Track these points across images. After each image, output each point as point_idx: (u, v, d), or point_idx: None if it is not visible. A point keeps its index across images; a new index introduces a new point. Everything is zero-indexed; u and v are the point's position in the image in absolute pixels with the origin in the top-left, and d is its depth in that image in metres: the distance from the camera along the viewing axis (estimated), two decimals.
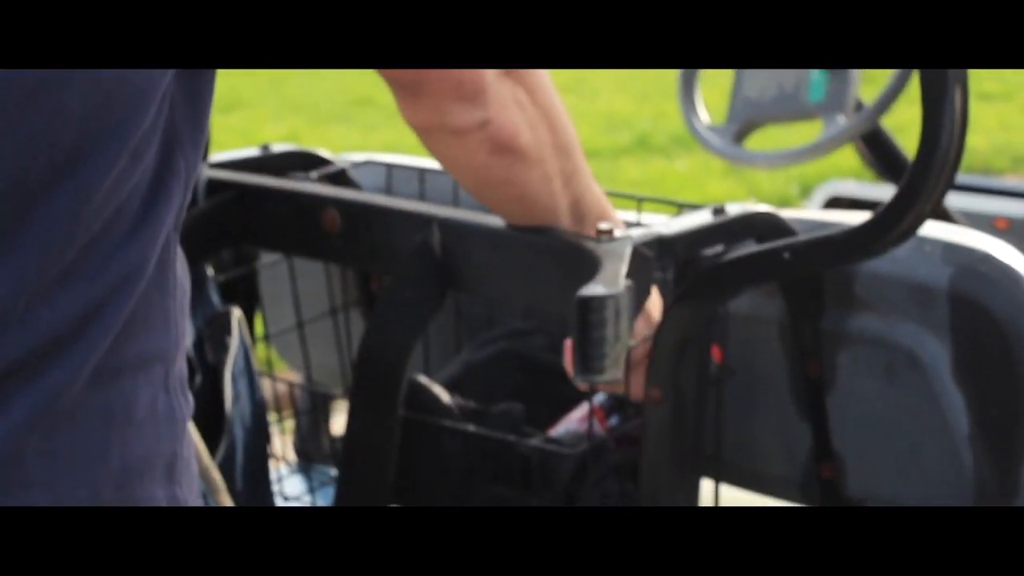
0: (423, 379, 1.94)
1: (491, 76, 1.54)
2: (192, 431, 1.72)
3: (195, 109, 1.16)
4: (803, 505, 1.99)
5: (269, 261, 2.22)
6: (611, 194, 1.89)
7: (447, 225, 1.81)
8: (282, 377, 2.39)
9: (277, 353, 2.46)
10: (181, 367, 1.21)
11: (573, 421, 1.93)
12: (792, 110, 2.57)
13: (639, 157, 6.60)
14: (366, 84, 7.91)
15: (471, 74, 1.52)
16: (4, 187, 1.05)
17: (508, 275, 1.80)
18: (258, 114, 7.24)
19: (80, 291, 1.09)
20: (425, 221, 1.82)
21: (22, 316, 1.07)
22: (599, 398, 1.92)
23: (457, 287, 1.84)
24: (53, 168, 1.06)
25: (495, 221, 1.80)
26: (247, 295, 2.19)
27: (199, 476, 1.68)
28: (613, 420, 1.90)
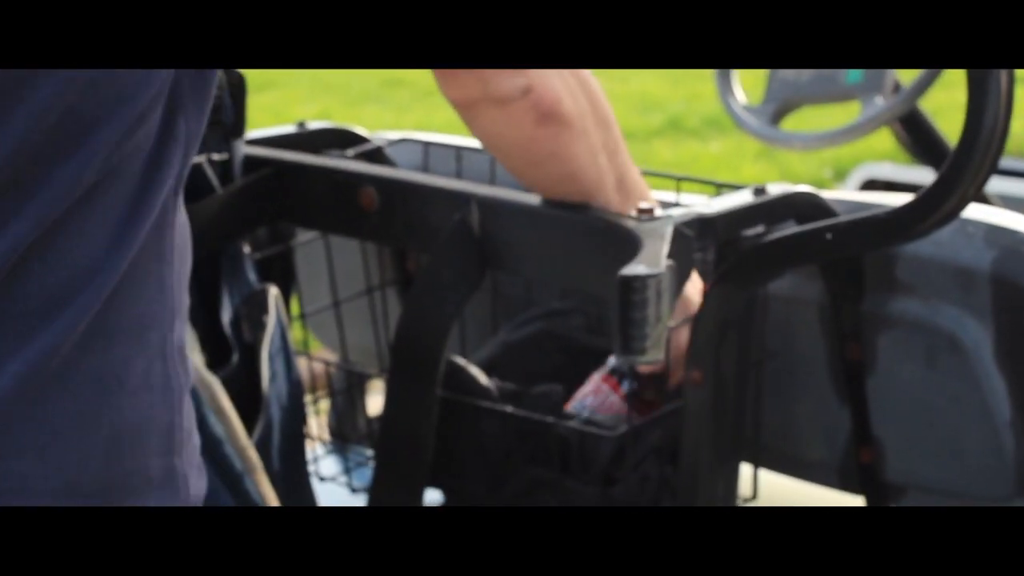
0: (460, 360, 1.93)
1: None
2: (229, 409, 1.72)
3: (201, 74, 1.16)
4: (839, 491, 1.98)
5: (305, 239, 2.21)
6: (649, 174, 1.87)
7: (486, 203, 1.79)
8: (318, 356, 2.38)
9: (312, 332, 2.45)
10: (180, 335, 1.20)
11: (589, 394, 1.91)
12: (829, 91, 2.55)
13: (672, 139, 6.58)
14: None
15: None
16: (16, 149, 1.05)
17: (547, 254, 1.78)
18: (290, 94, 7.24)
19: (74, 249, 1.09)
20: (463, 199, 1.81)
21: (16, 271, 1.06)
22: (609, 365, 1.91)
23: (495, 266, 1.82)
24: (66, 133, 1.06)
25: (534, 199, 1.78)
26: (283, 273, 2.17)
27: (237, 455, 1.68)
28: (625, 386, 1.88)
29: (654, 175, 1.93)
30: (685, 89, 7.33)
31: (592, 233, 1.71)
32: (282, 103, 6.83)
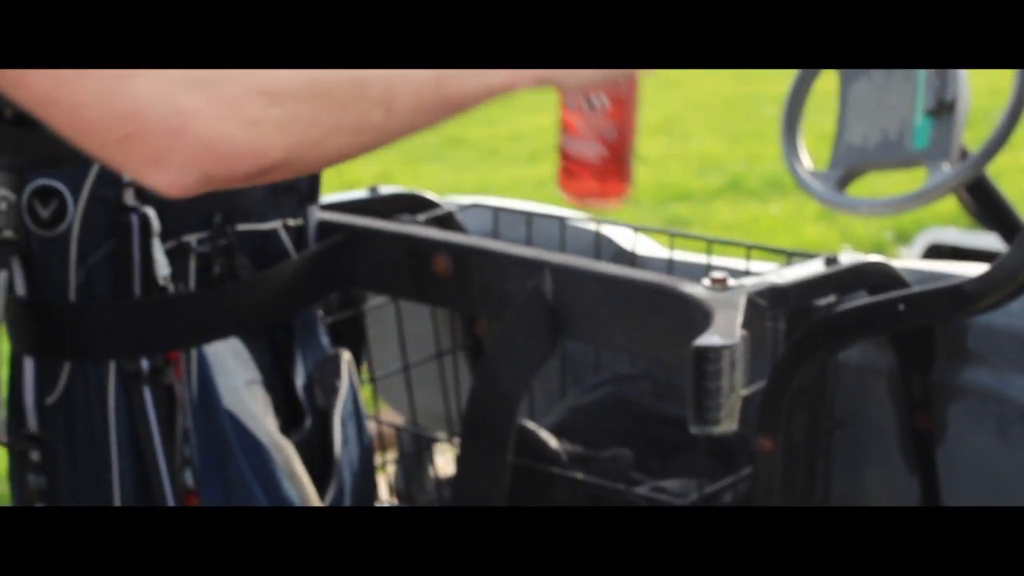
0: (531, 424, 1.94)
1: None
2: (302, 473, 1.74)
3: None
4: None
5: (376, 304, 2.23)
6: (721, 242, 1.88)
7: (559, 271, 1.81)
8: (387, 420, 2.39)
9: (381, 396, 2.47)
10: None
11: None
12: (896, 157, 2.55)
13: (732, 200, 6.58)
14: (457, 123, 7.95)
15: None
16: None
17: (620, 322, 1.79)
18: None
19: None
20: (537, 266, 1.82)
21: None
22: None
23: (568, 333, 1.83)
24: None
25: (608, 268, 1.80)
26: (353, 337, 2.19)
27: None
28: None
29: (726, 243, 1.94)
30: (745, 149, 7.34)
31: (666, 301, 1.72)
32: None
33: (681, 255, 2.20)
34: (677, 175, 6.74)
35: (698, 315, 1.62)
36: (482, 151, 7.30)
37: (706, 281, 1.69)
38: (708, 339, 1.51)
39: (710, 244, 2.14)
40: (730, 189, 6.77)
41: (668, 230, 2.27)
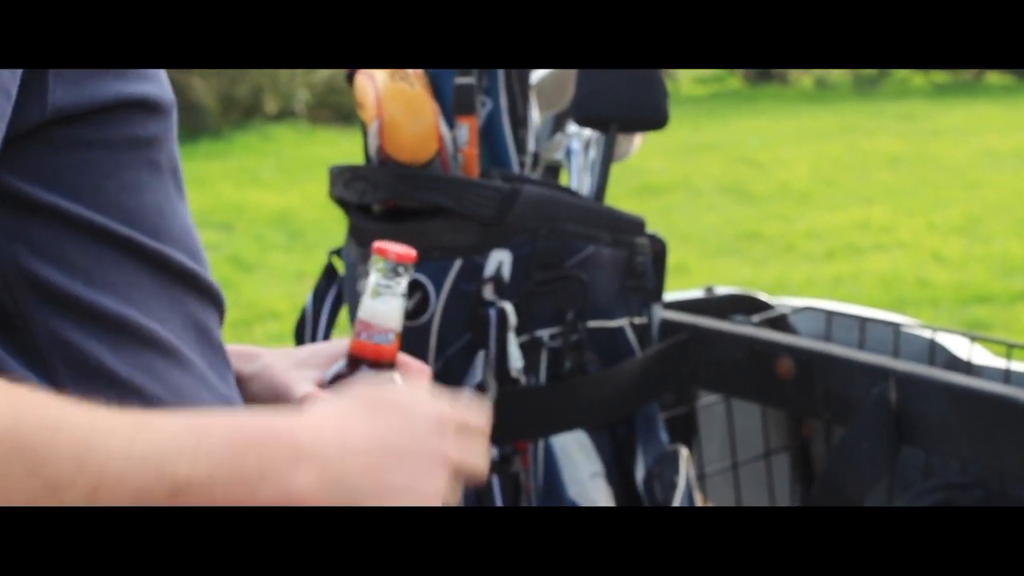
0: None
1: None
2: None
3: None
4: None
5: (708, 401, 2.27)
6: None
7: (904, 379, 1.82)
8: None
9: (706, 491, 2.50)
10: None
11: None
12: None
13: None
14: (753, 218, 7.96)
15: None
16: None
17: (966, 432, 1.80)
18: None
19: None
20: (881, 374, 1.84)
21: None
22: None
23: (910, 442, 1.85)
24: None
25: (953, 378, 1.80)
26: (685, 433, 2.23)
27: None
28: None
29: None
30: None
31: (1013, 414, 1.73)
32: None
33: (1018, 366, 2.19)
34: (978, 276, 6.63)
35: None
36: (778, 247, 7.29)
37: None
38: None
39: (1010, 349, 2.13)
40: None
41: (969, 332, 2.25)
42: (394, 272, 1.10)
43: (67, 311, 1.01)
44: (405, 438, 1.01)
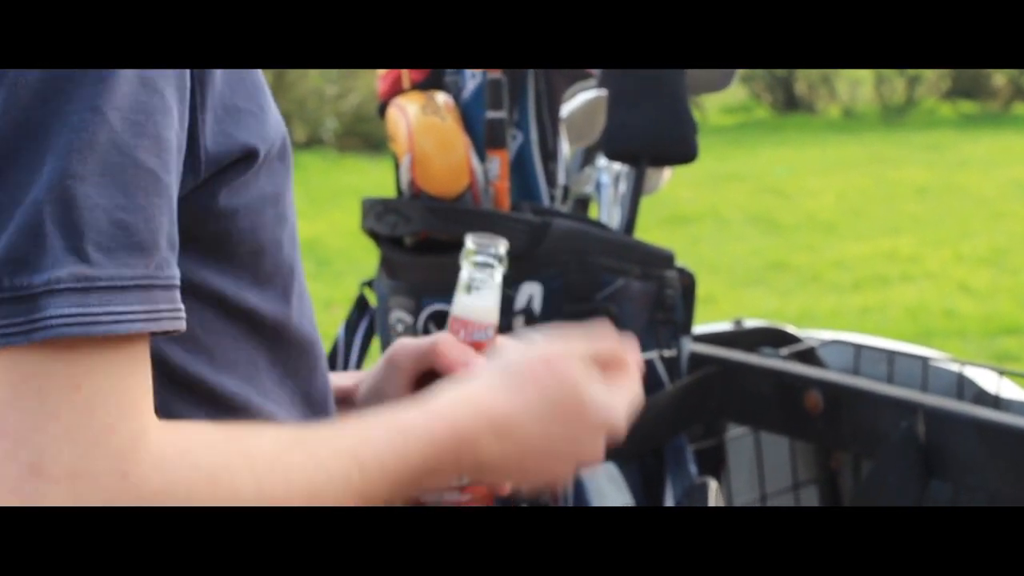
0: None
1: None
2: None
3: None
4: None
5: (736, 434, 2.27)
6: None
7: (933, 413, 1.83)
8: None
9: None
10: None
11: None
12: None
13: None
14: (780, 248, 7.97)
15: None
16: None
17: (996, 467, 1.80)
18: None
19: None
20: (910, 408, 1.85)
21: None
22: None
23: (938, 476, 1.85)
24: None
25: (981, 412, 1.81)
26: (714, 465, 2.24)
27: None
28: None
29: None
30: None
31: None
32: None
33: None
34: (1005, 308, 6.62)
35: None
36: (805, 277, 7.29)
37: None
38: None
39: None
40: None
41: (997, 367, 2.26)
42: (487, 263, 1.06)
43: (189, 393, 0.94)
44: (568, 402, 1.02)
